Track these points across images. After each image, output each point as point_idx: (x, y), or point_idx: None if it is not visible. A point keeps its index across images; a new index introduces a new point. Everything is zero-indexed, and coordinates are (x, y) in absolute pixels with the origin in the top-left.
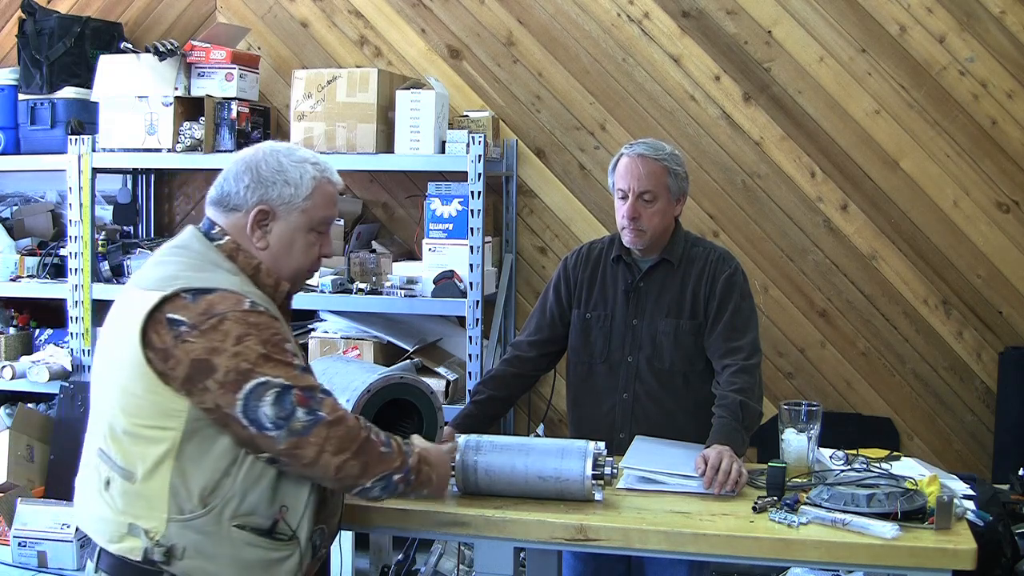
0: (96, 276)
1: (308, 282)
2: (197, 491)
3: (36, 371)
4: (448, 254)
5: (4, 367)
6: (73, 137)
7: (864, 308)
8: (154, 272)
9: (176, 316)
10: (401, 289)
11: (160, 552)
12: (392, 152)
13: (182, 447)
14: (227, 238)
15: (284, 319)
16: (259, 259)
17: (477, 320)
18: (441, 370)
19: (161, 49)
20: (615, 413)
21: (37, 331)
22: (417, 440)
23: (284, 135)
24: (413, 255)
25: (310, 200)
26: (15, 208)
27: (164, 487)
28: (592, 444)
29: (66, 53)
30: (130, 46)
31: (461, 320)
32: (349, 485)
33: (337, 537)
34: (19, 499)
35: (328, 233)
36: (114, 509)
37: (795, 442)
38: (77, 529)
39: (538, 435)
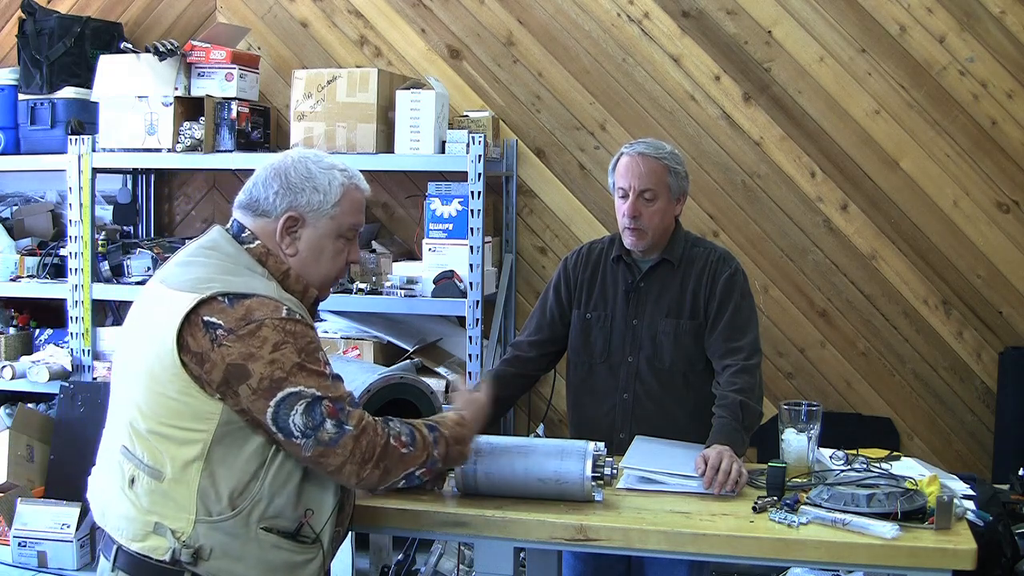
0: (96, 276)
1: None
2: (226, 493)
3: (36, 371)
4: (448, 254)
5: (4, 367)
6: (73, 137)
7: (864, 308)
8: (185, 272)
9: (213, 319)
10: (401, 289)
11: (188, 553)
12: (392, 152)
13: (212, 449)
14: (257, 242)
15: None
16: (288, 264)
17: (477, 320)
18: (441, 370)
19: (161, 49)
20: (615, 413)
21: (37, 331)
22: (452, 415)
23: (284, 135)
24: (413, 255)
25: (339, 207)
26: (15, 208)
27: (193, 488)
28: (592, 445)
29: (66, 53)
30: (130, 46)
31: (461, 320)
32: (369, 488)
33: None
34: (19, 499)
35: (356, 240)
36: (139, 508)
37: (795, 442)
38: (77, 529)
39: (538, 435)
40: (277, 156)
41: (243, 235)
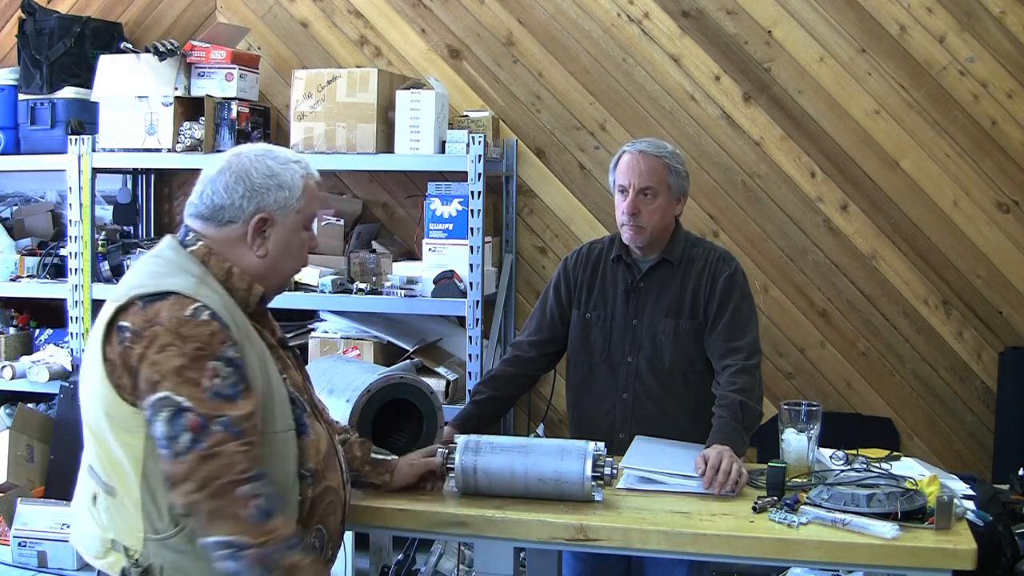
0: (96, 276)
1: (308, 282)
2: (166, 508)
3: (36, 371)
4: (448, 254)
5: (4, 367)
6: (73, 137)
7: (864, 308)
8: (124, 282)
9: (124, 323)
10: (401, 289)
11: (137, 572)
12: (392, 152)
13: (146, 463)
14: (200, 243)
15: (263, 321)
16: (231, 262)
17: (477, 320)
18: (441, 370)
19: (161, 49)
20: (615, 413)
21: (37, 331)
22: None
23: (284, 135)
24: (413, 255)
25: (303, 200)
26: (15, 208)
27: (137, 504)
28: (592, 444)
29: (66, 53)
30: (130, 46)
31: (461, 320)
32: (200, 526)
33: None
34: (19, 499)
35: (313, 227)
36: (100, 525)
37: (795, 442)
38: None
39: (538, 435)
40: (226, 157)
41: (187, 238)
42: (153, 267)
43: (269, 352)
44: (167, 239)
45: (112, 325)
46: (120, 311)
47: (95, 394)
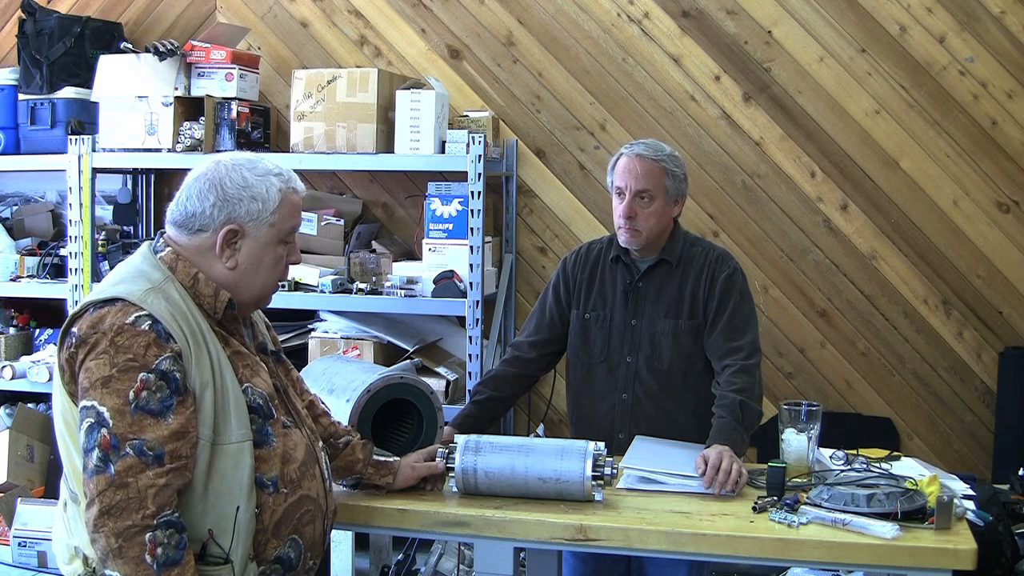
0: (96, 276)
1: (308, 282)
2: None
3: (36, 371)
4: (448, 254)
5: (4, 367)
6: (73, 137)
7: (864, 308)
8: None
9: (74, 329)
10: (401, 289)
11: None
12: (392, 152)
13: None
14: (167, 249)
15: (233, 327)
16: (198, 269)
17: (477, 320)
18: (441, 370)
19: (161, 49)
20: (614, 413)
21: (37, 331)
22: None
23: (284, 135)
24: (413, 255)
25: (278, 213)
26: (15, 208)
27: None
28: (592, 444)
29: (66, 53)
30: (130, 46)
31: (461, 320)
32: (98, 556)
33: (328, 539)
34: (19, 499)
35: (295, 241)
36: (68, 531)
37: (795, 442)
38: None
39: (538, 435)
40: (207, 164)
41: (157, 244)
42: (117, 274)
43: (233, 360)
44: (143, 245)
45: (66, 332)
46: (75, 317)
47: (56, 401)
